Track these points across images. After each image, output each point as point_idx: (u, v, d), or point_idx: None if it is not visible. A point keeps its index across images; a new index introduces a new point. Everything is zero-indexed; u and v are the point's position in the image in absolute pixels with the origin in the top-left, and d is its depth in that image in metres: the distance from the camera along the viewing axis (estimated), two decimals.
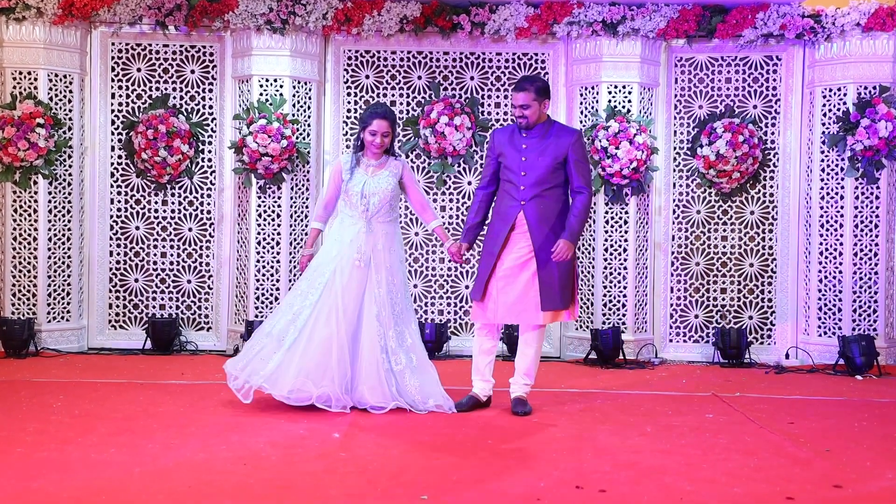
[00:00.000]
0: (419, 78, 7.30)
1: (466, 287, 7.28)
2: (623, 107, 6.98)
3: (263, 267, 7.02)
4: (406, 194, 5.24)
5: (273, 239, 7.02)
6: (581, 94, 7.10)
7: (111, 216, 7.23)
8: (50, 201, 6.95)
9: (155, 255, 7.27)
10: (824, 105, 6.95)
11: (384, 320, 4.97)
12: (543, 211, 4.93)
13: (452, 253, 5.16)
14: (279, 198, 7.01)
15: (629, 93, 7.00)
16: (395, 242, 5.13)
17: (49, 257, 6.97)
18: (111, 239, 7.23)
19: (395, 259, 5.10)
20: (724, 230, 7.25)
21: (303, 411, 4.98)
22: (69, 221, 7.05)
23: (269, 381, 4.86)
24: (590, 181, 4.99)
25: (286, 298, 5.13)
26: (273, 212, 7.01)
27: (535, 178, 4.92)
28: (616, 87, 7.01)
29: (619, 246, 7.03)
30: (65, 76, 6.98)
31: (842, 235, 6.90)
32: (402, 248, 5.20)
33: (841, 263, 6.90)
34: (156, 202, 7.26)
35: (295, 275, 7.06)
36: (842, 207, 6.89)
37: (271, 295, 7.01)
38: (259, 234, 7.01)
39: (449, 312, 7.30)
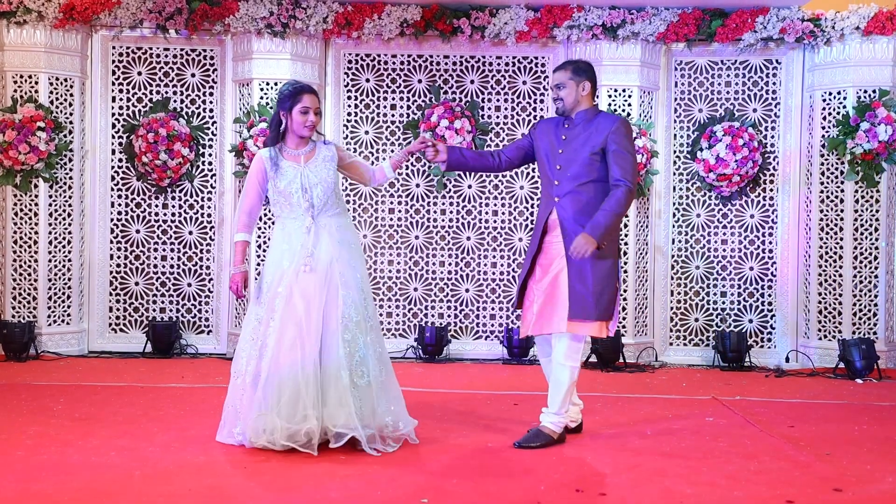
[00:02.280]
0: (419, 81, 7.31)
1: (467, 290, 7.29)
2: (623, 110, 6.99)
3: None
4: (352, 173, 4.56)
5: None
6: None
7: (111, 219, 7.23)
8: (50, 205, 6.96)
9: (155, 258, 7.27)
10: (824, 109, 6.96)
11: (347, 327, 4.22)
12: (579, 208, 4.30)
13: (414, 147, 4.52)
14: None
15: (629, 96, 7.00)
16: (349, 235, 4.41)
17: (49, 260, 6.97)
18: (111, 242, 7.24)
19: (353, 255, 4.36)
20: (724, 233, 7.25)
21: None
22: (70, 225, 7.05)
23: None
24: (632, 175, 4.31)
25: (244, 331, 4.35)
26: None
27: (570, 172, 4.33)
28: (616, 90, 7.01)
29: (620, 249, 7.02)
30: (65, 80, 6.98)
31: (842, 239, 6.90)
32: (358, 242, 4.49)
33: (841, 267, 6.90)
34: (156, 205, 7.26)
35: None
36: (842, 211, 6.90)
37: None
38: (259, 237, 7.01)
39: (449, 316, 7.30)
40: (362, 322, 4.25)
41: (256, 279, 4.38)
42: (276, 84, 6.96)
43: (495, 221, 7.31)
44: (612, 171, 4.30)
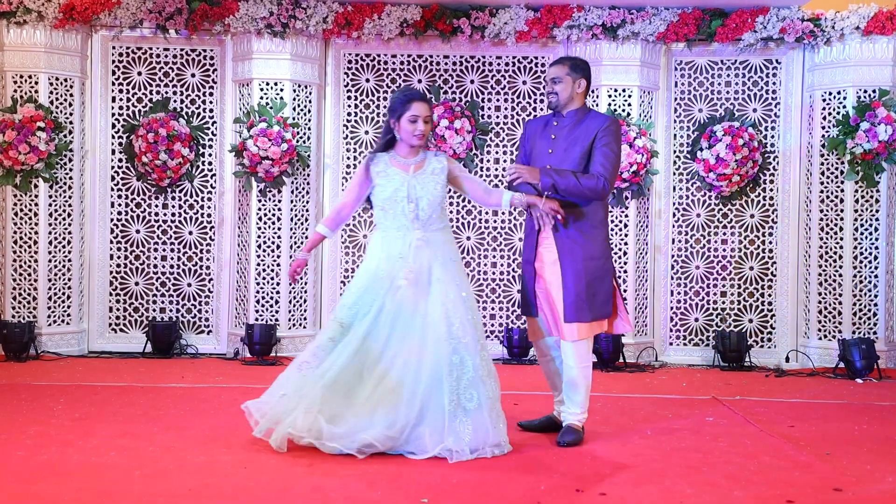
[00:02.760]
0: (419, 81, 7.31)
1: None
2: (623, 110, 6.99)
3: (264, 270, 7.02)
4: (460, 187, 4.43)
5: (273, 242, 7.02)
6: None
7: (111, 219, 7.24)
8: (50, 205, 6.96)
9: (155, 258, 7.27)
10: (824, 108, 6.96)
11: (456, 349, 4.08)
12: (568, 208, 4.28)
13: (551, 208, 4.26)
14: (279, 201, 7.01)
15: (629, 96, 7.01)
16: (452, 251, 4.30)
17: (49, 261, 6.97)
18: (111, 242, 7.24)
19: (458, 272, 4.25)
20: (724, 233, 7.25)
21: None
22: (70, 225, 7.05)
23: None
24: (612, 173, 4.29)
25: (324, 333, 4.24)
26: (273, 215, 7.02)
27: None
28: (616, 90, 7.01)
29: (620, 249, 7.04)
30: (65, 80, 6.99)
31: (842, 238, 6.90)
32: (460, 259, 4.37)
33: (841, 267, 6.90)
34: (156, 205, 7.26)
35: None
36: (842, 211, 6.90)
37: (271, 298, 7.01)
38: (259, 237, 7.02)
39: None
40: (471, 343, 4.11)
41: (347, 282, 4.27)
42: (275, 84, 6.96)
43: (495, 221, 7.32)
44: (594, 164, 4.29)
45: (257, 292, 7.02)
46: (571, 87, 4.36)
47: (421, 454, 3.98)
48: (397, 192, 4.20)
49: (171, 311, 7.27)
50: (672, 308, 7.28)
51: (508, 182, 4.35)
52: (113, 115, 7.23)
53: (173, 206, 7.27)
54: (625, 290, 7.02)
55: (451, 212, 7.29)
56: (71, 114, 7.02)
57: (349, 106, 7.30)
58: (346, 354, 4.09)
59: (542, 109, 7.25)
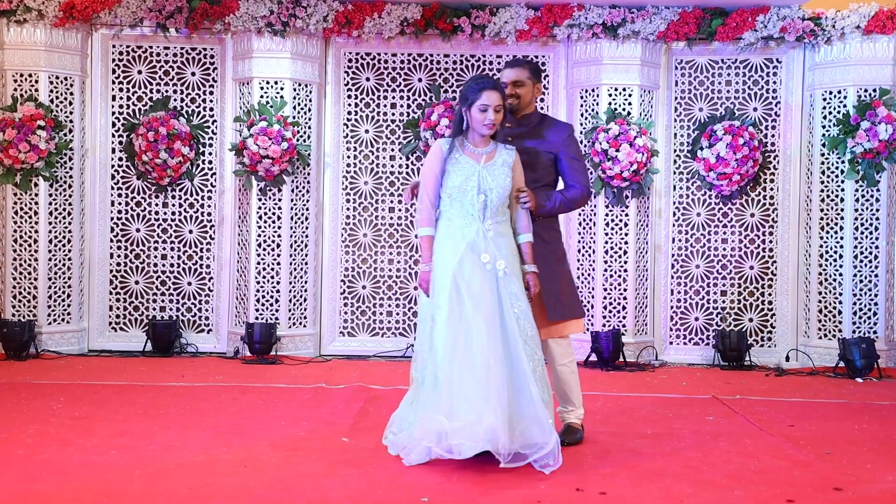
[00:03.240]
0: (419, 80, 7.30)
1: None
2: (623, 109, 6.99)
3: (264, 269, 7.02)
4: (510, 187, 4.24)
5: (273, 241, 7.02)
6: (581, 97, 7.10)
7: (112, 218, 7.23)
8: (50, 203, 6.96)
9: (155, 257, 7.27)
10: (824, 108, 6.96)
11: (526, 341, 4.01)
12: (528, 214, 4.26)
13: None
14: (280, 200, 7.01)
15: (629, 95, 7.00)
16: (514, 245, 4.18)
17: (49, 259, 6.97)
18: (112, 241, 7.24)
19: (518, 266, 4.14)
20: (725, 232, 7.25)
21: (303, 413, 4.99)
22: (70, 223, 7.05)
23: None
24: (588, 181, 4.41)
25: (421, 335, 4.12)
26: (274, 214, 7.02)
27: (531, 176, 4.30)
28: (616, 89, 7.01)
29: (620, 248, 7.04)
30: (66, 78, 6.98)
31: (842, 238, 6.90)
32: (517, 252, 4.20)
33: (841, 266, 6.90)
34: (156, 204, 7.26)
35: (296, 276, 7.07)
36: (842, 210, 6.90)
37: (271, 297, 7.01)
38: (259, 236, 7.02)
39: None
40: (535, 336, 4.06)
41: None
42: (276, 83, 6.96)
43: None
44: (569, 176, 4.36)
45: (257, 291, 7.02)
46: (531, 91, 4.35)
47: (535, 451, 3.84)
48: (468, 182, 4.07)
49: (171, 309, 7.27)
50: (672, 307, 7.28)
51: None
52: (113, 113, 7.23)
53: (173, 205, 7.26)
54: (625, 290, 7.02)
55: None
56: (71, 112, 7.02)
57: (349, 105, 7.30)
58: (442, 351, 3.97)
59: (542, 108, 7.24)
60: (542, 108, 7.25)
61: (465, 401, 3.82)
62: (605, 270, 7.04)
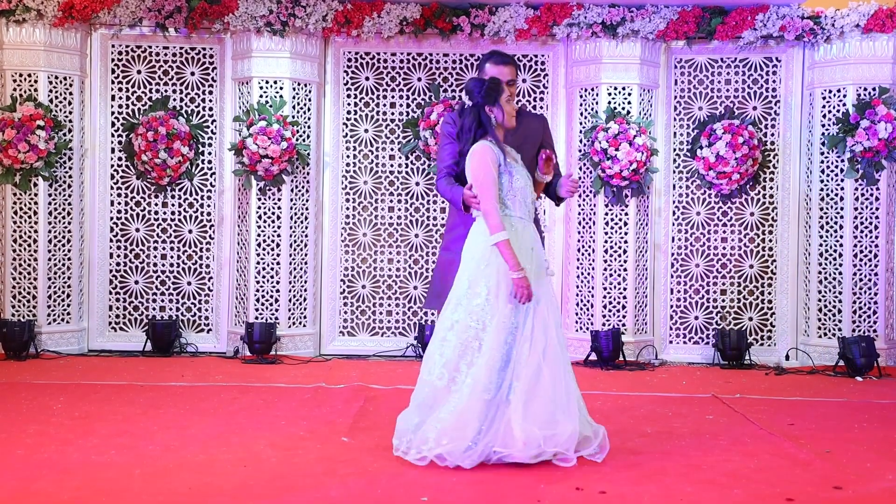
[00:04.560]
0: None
1: None
2: (623, 108, 6.99)
3: (264, 269, 7.02)
4: None
5: (273, 241, 7.02)
6: (581, 96, 7.10)
7: (111, 218, 7.23)
8: (50, 203, 6.96)
9: (155, 256, 7.27)
10: (824, 106, 6.96)
11: (561, 342, 4.04)
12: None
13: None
14: (279, 199, 7.01)
15: (629, 94, 7.00)
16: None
17: (49, 259, 6.97)
18: (111, 241, 7.23)
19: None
20: (724, 231, 7.25)
21: (302, 412, 4.99)
22: (69, 223, 7.05)
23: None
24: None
25: (454, 343, 3.97)
26: (273, 213, 7.01)
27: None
28: (616, 88, 7.01)
29: (619, 247, 7.03)
30: (65, 78, 6.98)
31: (842, 237, 6.90)
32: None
33: (841, 265, 6.90)
34: (156, 204, 7.26)
35: (295, 276, 7.07)
36: (841, 209, 6.90)
37: (271, 297, 7.01)
38: (259, 235, 7.01)
39: None
40: (563, 338, 4.12)
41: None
42: (275, 82, 6.96)
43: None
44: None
45: (257, 291, 7.01)
46: (517, 89, 4.38)
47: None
48: (518, 181, 4.01)
49: (170, 309, 7.27)
50: (672, 306, 7.28)
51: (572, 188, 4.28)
52: (112, 113, 7.22)
53: (173, 205, 7.26)
54: (625, 289, 7.02)
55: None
56: (70, 112, 7.02)
57: (349, 104, 7.30)
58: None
59: (541, 108, 7.24)
60: (542, 108, 7.25)
61: (543, 408, 3.88)
62: (605, 269, 7.04)
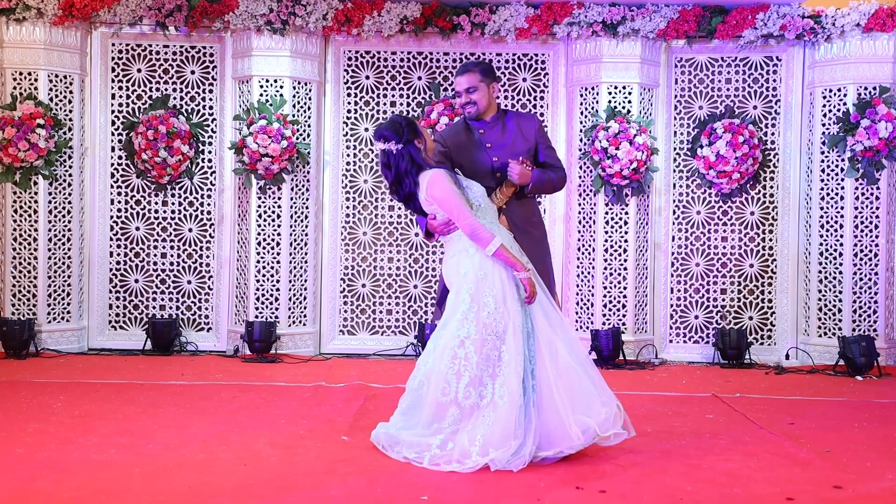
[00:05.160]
0: (419, 78, 7.30)
1: None
2: (623, 107, 6.98)
3: (264, 267, 7.02)
4: None
5: (273, 239, 7.02)
6: (581, 95, 7.10)
7: (111, 217, 7.23)
8: (50, 202, 6.96)
9: (155, 255, 7.27)
10: (824, 106, 6.95)
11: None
12: (524, 211, 4.39)
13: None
14: (279, 198, 7.01)
15: (629, 93, 7.00)
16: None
17: (49, 258, 6.97)
18: (111, 239, 7.23)
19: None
20: (724, 231, 7.25)
21: (302, 411, 4.99)
22: (69, 222, 7.05)
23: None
24: (564, 168, 4.57)
25: (476, 354, 3.99)
26: (273, 212, 7.01)
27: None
28: (616, 87, 7.00)
29: (619, 246, 7.03)
30: (65, 77, 6.98)
31: (842, 236, 6.90)
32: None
33: (841, 264, 6.90)
34: (156, 203, 7.26)
35: (295, 275, 7.07)
36: (842, 208, 6.89)
37: (271, 295, 7.01)
38: (259, 234, 7.01)
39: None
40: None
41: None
42: (275, 81, 6.95)
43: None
44: (553, 161, 4.46)
45: (257, 289, 7.01)
46: (488, 93, 4.34)
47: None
48: (480, 188, 4.19)
49: (170, 308, 7.27)
50: (672, 305, 7.28)
51: (505, 169, 4.31)
52: (112, 112, 7.22)
53: (173, 204, 7.26)
54: (625, 288, 7.02)
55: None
56: (70, 111, 7.01)
57: (349, 103, 7.30)
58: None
59: (541, 107, 7.24)
60: (542, 107, 7.25)
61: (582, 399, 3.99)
62: (605, 269, 7.04)
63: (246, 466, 3.85)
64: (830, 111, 6.92)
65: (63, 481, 3.57)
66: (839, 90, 6.89)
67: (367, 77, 7.29)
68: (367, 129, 7.29)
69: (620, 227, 7.03)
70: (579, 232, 7.13)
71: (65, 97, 6.99)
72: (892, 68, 6.81)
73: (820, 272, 6.97)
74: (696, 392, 5.88)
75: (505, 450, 3.84)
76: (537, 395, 3.94)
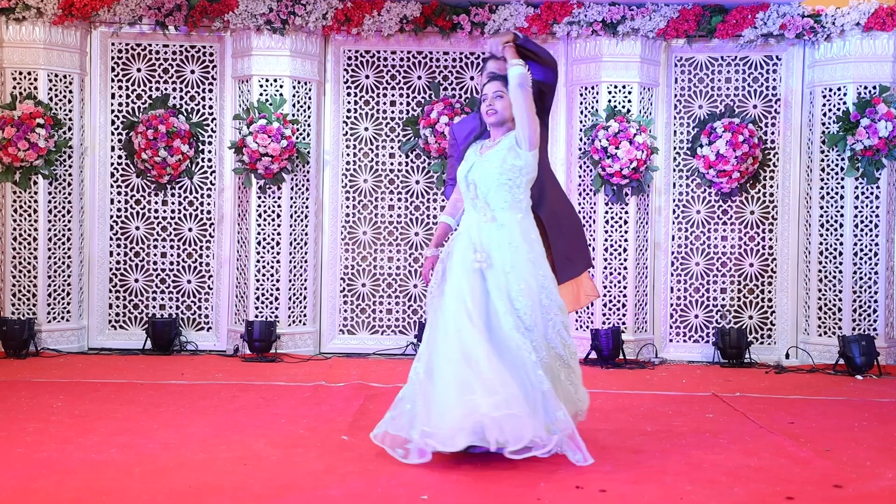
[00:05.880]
0: (419, 78, 7.30)
1: None
2: (623, 107, 6.98)
3: (263, 267, 7.02)
4: None
5: (273, 239, 7.02)
6: (581, 94, 7.10)
7: (111, 216, 7.23)
8: (50, 201, 6.96)
9: (155, 255, 7.27)
10: (824, 105, 6.95)
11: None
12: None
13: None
14: (279, 198, 7.01)
15: (629, 93, 7.00)
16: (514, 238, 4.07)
17: (49, 257, 6.97)
18: (111, 239, 7.23)
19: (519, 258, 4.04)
20: (724, 230, 7.25)
21: (302, 410, 4.99)
22: (69, 221, 7.05)
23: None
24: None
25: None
26: (273, 212, 7.01)
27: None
28: (616, 86, 7.00)
29: (619, 246, 7.03)
30: (65, 76, 6.98)
31: (842, 235, 6.90)
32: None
33: (841, 263, 6.90)
34: (156, 202, 7.26)
35: (295, 274, 7.07)
36: (842, 207, 6.89)
37: (271, 295, 7.01)
38: (259, 233, 7.01)
39: None
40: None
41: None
42: (275, 80, 6.95)
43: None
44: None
45: (257, 289, 7.01)
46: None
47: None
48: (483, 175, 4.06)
49: (170, 307, 7.27)
50: (672, 305, 7.28)
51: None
52: (112, 111, 7.22)
53: (173, 203, 7.26)
54: (625, 287, 7.02)
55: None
56: (70, 110, 7.01)
57: (349, 102, 7.30)
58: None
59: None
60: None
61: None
62: (605, 268, 7.04)
63: (246, 466, 3.85)
64: (830, 110, 6.92)
65: (63, 481, 3.57)
66: (839, 89, 6.88)
67: (367, 76, 7.29)
68: (366, 129, 7.29)
69: (620, 226, 7.03)
70: None
71: (64, 97, 6.99)
72: (891, 67, 6.81)
73: (820, 271, 6.97)
74: (696, 391, 5.88)
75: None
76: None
